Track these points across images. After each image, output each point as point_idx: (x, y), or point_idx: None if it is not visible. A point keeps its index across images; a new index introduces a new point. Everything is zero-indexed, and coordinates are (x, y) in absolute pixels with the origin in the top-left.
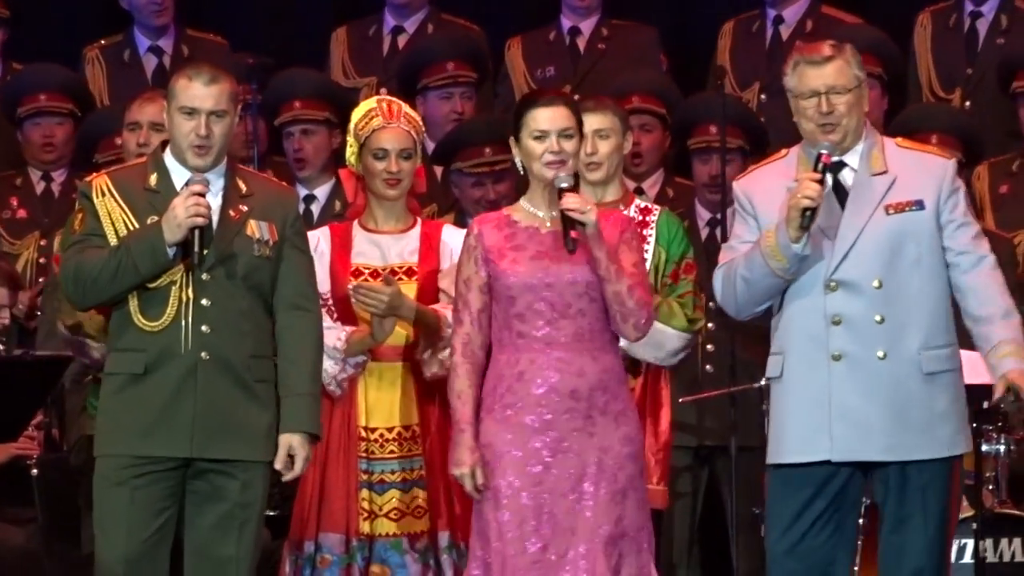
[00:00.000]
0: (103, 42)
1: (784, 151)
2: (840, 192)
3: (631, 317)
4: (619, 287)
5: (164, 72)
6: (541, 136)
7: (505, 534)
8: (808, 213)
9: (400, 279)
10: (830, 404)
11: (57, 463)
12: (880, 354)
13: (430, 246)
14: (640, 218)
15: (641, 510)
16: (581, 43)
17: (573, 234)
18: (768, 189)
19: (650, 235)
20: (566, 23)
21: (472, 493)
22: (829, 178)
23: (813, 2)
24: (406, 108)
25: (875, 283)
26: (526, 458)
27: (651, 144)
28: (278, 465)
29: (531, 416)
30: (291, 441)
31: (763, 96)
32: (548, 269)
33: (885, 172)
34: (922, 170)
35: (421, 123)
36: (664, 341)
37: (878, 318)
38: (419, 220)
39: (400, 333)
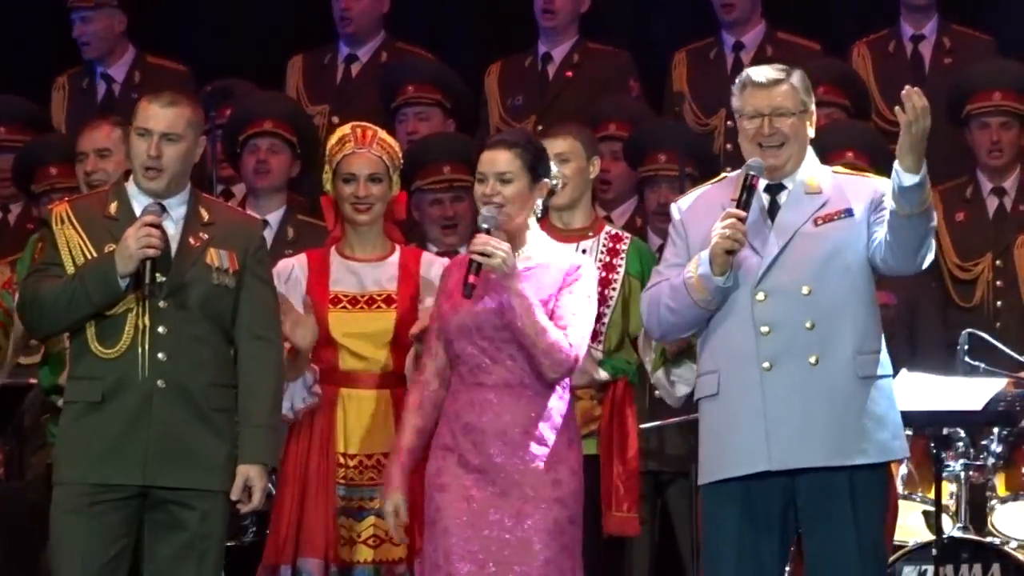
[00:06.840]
0: (70, 71)
1: (724, 175)
2: (775, 212)
3: (544, 358)
4: (527, 328)
5: (113, 99)
6: (481, 179)
7: (451, 558)
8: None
9: (379, 307)
10: (765, 413)
11: (17, 491)
12: (812, 360)
13: (408, 273)
14: (611, 245)
15: (570, 558)
16: (551, 70)
17: (471, 279)
18: (701, 212)
19: (620, 265)
20: (541, 49)
21: (388, 518)
22: (765, 198)
23: (769, 28)
24: (381, 134)
25: (804, 290)
26: (460, 494)
27: (621, 171)
28: (234, 495)
29: (461, 454)
30: (248, 472)
31: (729, 122)
32: (479, 313)
33: (820, 193)
34: (853, 189)
35: (397, 149)
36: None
37: (808, 324)
38: (398, 248)
39: (378, 361)
